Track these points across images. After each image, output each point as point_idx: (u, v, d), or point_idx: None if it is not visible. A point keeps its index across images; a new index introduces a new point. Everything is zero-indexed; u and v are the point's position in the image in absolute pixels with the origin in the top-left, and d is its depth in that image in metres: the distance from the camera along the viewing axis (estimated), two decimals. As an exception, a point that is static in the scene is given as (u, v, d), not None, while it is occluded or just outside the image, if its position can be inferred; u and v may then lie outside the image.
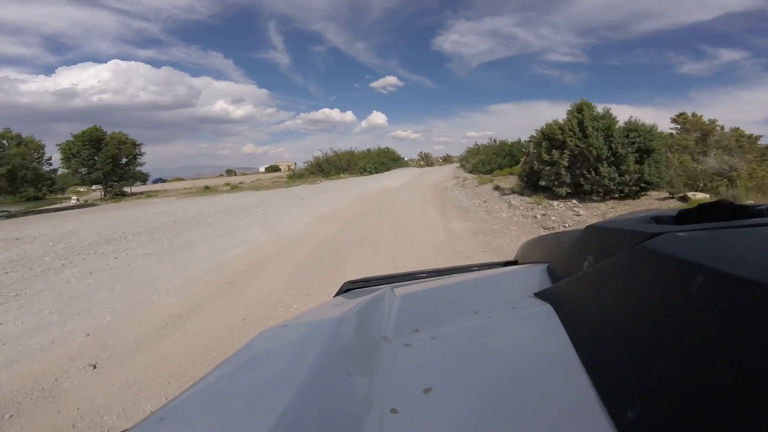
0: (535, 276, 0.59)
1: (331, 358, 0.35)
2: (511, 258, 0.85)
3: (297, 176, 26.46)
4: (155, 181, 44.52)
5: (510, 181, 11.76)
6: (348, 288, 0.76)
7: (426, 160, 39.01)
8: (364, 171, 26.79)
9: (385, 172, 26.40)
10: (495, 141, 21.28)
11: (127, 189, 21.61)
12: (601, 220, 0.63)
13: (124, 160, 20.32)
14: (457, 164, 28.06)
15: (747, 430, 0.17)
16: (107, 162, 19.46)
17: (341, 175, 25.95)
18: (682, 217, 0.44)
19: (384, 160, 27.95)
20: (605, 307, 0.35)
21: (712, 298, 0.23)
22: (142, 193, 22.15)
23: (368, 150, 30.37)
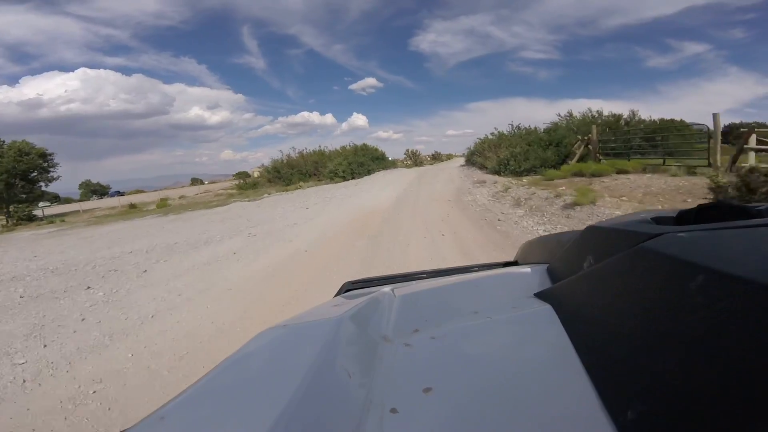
0: (535, 276, 0.59)
1: (331, 358, 0.35)
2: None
3: (250, 186, 20.92)
4: (113, 194, 42.57)
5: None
6: (348, 288, 0.75)
7: (414, 159, 31.57)
8: (335, 176, 19.55)
9: (365, 177, 19.13)
10: (518, 127, 15.09)
11: (38, 211, 17.01)
12: (600, 221, 0.61)
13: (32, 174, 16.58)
14: (462, 162, 22.61)
15: (747, 430, 0.17)
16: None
17: (301, 184, 18.77)
18: (681, 218, 0.44)
19: (363, 160, 20.45)
20: (605, 308, 0.35)
21: (712, 298, 0.23)
22: (59, 215, 17.15)
23: (343, 147, 22.82)
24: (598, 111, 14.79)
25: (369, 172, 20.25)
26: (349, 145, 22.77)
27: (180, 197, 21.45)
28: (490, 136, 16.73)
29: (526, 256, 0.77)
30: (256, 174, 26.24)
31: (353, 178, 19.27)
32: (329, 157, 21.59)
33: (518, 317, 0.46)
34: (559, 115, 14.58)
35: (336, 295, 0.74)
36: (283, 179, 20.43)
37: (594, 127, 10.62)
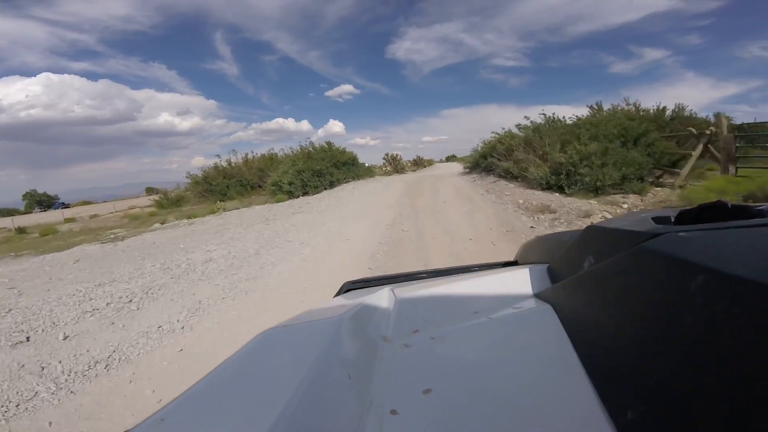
0: (535, 276, 0.60)
1: (331, 359, 0.35)
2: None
3: (173, 202, 15.76)
4: (57, 207, 39.18)
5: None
6: (348, 288, 0.74)
7: (394, 165, 25.13)
8: (278, 190, 13.08)
9: (325, 192, 12.61)
10: (561, 119, 10.16)
11: None
12: (601, 221, 0.63)
13: None
14: (459, 169, 18.66)
15: (747, 430, 0.17)
16: None
17: (219, 206, 12.22)
18: (682, 218, 0.44)
19: (321, 167, 13.88)
20: (605, 308, 0.35)
21: (713, 298, 0.23)
22: None
23: (301, 148, 15.69)
24: (634, 103, 10.69)
25: (332, 185, 13.71)
26: (307, 146, 15.60)
27: (91, 216, 17.34)
28: (515, 129, 10.91)
29: (527, 255, 0.78)
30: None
31: (305, 194, 12.84)
32: (282, 163, 14.97)
33: (518, 317, 0.46)
34: (576, 116, 9.90)
35: (336, 295, 0.73)
36: (216, 192, 15.14)
37: (722, 117, 6.97)
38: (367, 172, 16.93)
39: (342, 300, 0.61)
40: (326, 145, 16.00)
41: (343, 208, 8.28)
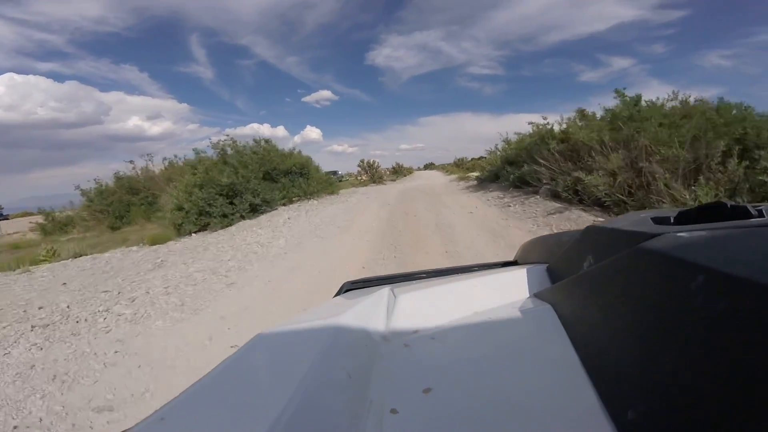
0: (535, 276, 0.59)
1: (331, 359, 0.35)
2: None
3: (59, 227, 11.49)
4: None
5: None
6: (348, 288, 0.73)
7: (370, 173, 19.99)
8: (171, 221, 7.50)
9: (238, 227, 6.93)
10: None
11: None
12: (601, 221, 0.62)
13: None
14: (449, 178, 17.63)
15: (747, 430, 0.17)
16: None
17: (50, 253, 6.57)
18: (681, 218, 0.44)
19: (243, 181, 7.96)
20: (605, 308, 0.35)
21: (712, 298, 0.23)
22: None
23: (214, 146, 9.30)
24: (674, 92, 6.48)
25: (256, 211, 7.99)
26: (223, 142, 9.43)
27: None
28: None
29: (526, 255, 0.77)
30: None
31: (204, 227, 7.31)
32: (190, 171, 9.27)
33: (518, 317, 0.46)
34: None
35: (336, 295, 0.72)
36: (114, 215, 10.99)
37: None
38: (327, 186, 11.08)
39: (341, 300, 0.61)
40: (260, 144, 10.05)
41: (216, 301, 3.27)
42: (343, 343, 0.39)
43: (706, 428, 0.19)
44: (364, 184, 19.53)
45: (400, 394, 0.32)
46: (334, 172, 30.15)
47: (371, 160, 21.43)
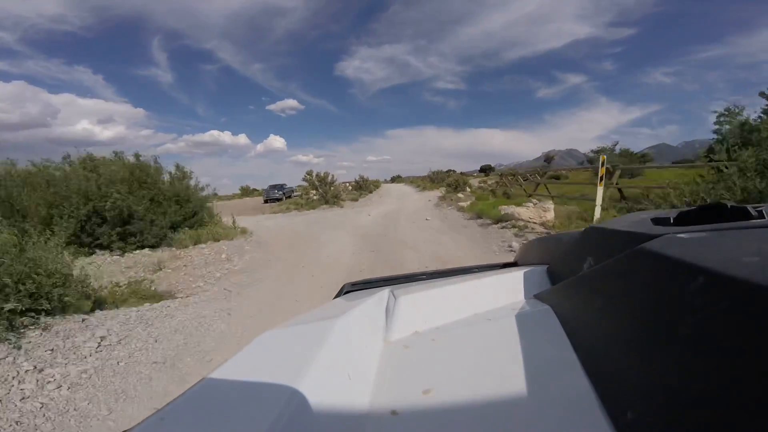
0: (535, 277, 0.60)
1: (332, 360, 0.35)
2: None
3: None
4: None
5: None
6: (348, 290, 0.74)
7: (322, 190, 14.02)
8: None
9: None
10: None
11: None
12: (602, 222, 0.61)
13: None
14: (428, 197, 14.64)
15: (746, 430, 0.18)
16: None
17: None
18: (681, 219, 0.44)
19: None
20: (605, 309, 0.35)
21: (712, 299, 0.23)
22: None
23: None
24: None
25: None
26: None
27: None
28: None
29: (526, 256, 0.77)
30: None
31: None
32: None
33: (518, 318, 0.46)
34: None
35: (336, 296, 0.72)
36: None
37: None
38: (218, 228, 6.05)
39: (342, 301, 0.61)
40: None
41: None
42: (343, 345, 0.39)
43: (706, 429, 0.19)
44: (309, 206, 14.12)
45: (400, 395, 0.33)
46: (281, 186, 23.36)
47: (323, 173, 15.56)
